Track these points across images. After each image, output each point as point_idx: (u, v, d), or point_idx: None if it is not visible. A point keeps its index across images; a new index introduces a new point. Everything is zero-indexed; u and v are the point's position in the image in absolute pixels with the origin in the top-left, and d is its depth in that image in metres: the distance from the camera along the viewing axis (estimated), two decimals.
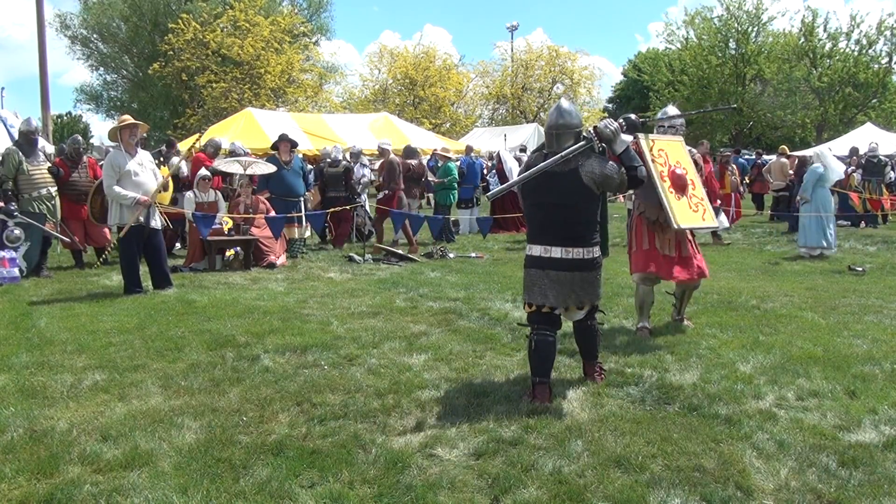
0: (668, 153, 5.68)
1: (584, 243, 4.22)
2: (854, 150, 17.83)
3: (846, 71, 32.90)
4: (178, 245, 11.04)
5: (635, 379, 4.51)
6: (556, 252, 4.18)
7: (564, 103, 4.40)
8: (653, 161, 5.50)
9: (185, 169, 10.66)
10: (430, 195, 18.10)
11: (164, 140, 12.13)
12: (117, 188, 7.36)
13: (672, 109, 6.10)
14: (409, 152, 13.71)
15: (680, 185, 5.59)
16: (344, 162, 12.48)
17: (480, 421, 3.81)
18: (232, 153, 12.01)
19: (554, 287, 4.18)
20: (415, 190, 13.55)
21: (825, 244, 10.33)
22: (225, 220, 9.64)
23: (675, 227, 5.44)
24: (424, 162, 13.72)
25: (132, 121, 7.63)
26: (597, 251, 4.36)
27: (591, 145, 4.22)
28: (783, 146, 18.35)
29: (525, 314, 4.40)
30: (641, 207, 5.83)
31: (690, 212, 5.61)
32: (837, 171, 10.99)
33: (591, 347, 4.51)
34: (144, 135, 8.40)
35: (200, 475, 3.18)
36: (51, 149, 10.97)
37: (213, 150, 11.70)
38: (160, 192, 7.81)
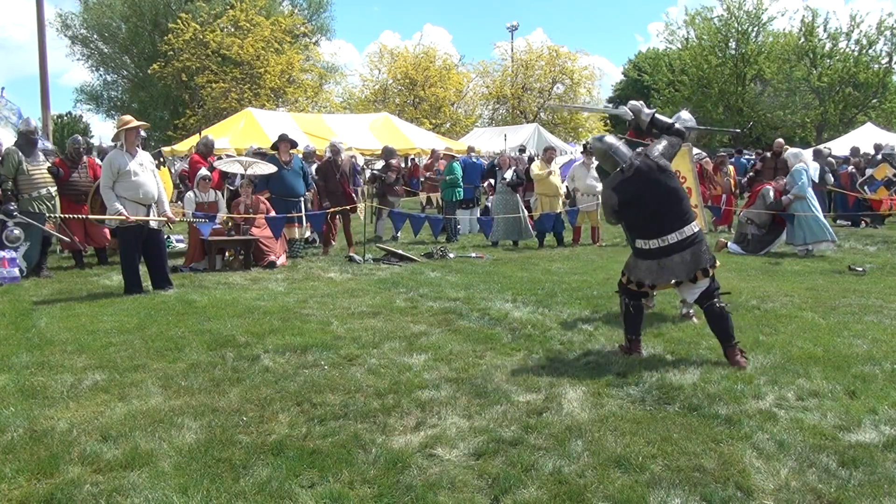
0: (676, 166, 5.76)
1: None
2: (855, 151, 17.86)
3: (846, 71, 32.93)
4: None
5: (635, 379, 4.50)
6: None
7: (597, 138, 5.09)
8: None
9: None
10: (431, 195, 18.12)
11: (164, 141, 12.07)
12: (110, 192, 7.36)
13: (685, 114, 6.07)
14: (388, 153, 13.73)
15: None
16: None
17: (480, 421, 3.81)
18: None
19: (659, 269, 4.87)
20: (397, 188, 13.63)
21: (829, 236, 10.38)
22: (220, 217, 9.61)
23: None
24: (422, 161, 13.70)
25: (135, 122, 7.63)
26: None
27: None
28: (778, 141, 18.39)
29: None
30: None
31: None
32: (814, 167, 11.17)
33: (726, 329, 4.80)
34: (145, 134, 8.40)
35: (200, 475, 3.18)
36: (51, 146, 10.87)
37: (206, 148, 11.63)
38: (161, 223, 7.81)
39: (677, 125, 5.24)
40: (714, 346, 5.24)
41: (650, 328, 5.82)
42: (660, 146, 4.94)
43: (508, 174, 12.27)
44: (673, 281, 4.87)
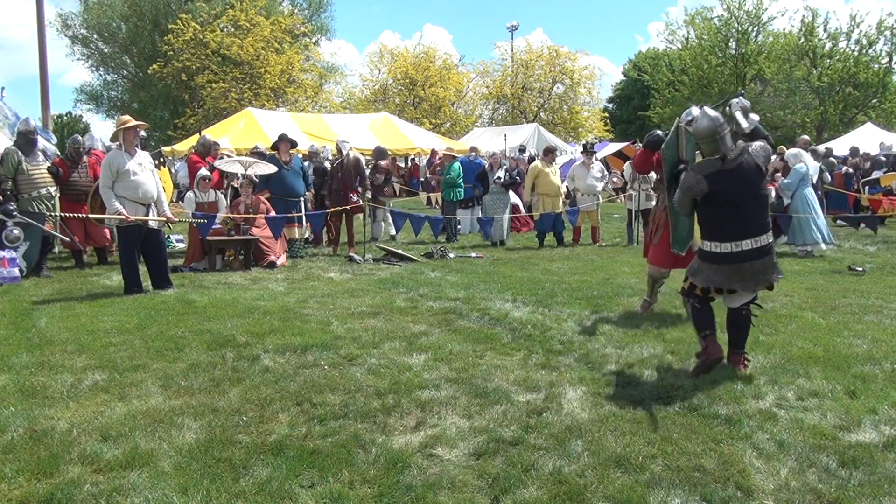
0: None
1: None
2: (854, 150, 17.84)
3: (846, 71, 32.89)
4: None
5: (635, 379, 4.51)
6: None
7: (705, 110, 4.58)
8: None
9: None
10: (431, 194, 18.12)
11: (164, 141, 12.04)
12: (109, 192, 7.36)
13: (695, 110, 5.97)
14: (379, 153, 13.75)
15: None
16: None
17: (480, 421, 3.81)
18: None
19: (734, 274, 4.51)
20: (386, 189, 13.66)
21: (817, 238, 10.35)
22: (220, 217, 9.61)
23: (695, 248, 5.52)
24: (420, 162, 13.72)
25: (134, 122, 7.63)
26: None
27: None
28: (780, 146, 18.38)
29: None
30: (667, 202, 5.80)
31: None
32: (814, 166, 11.15)
33: (744, 336, 4.72)
34: (145, 134, 8.40)
35: (200, 475, 3.18)
36: (53, 148, 10.84)
37: (205, 148, 11.63)
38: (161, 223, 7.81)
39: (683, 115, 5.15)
40: None
41: (650, 328, 5.82)
42: (758, 146, 4.56)
43: (500, 174, 12.28)
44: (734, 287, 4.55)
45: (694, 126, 4.60)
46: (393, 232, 13.04)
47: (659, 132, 5.92)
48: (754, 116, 4.83)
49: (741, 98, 4.91)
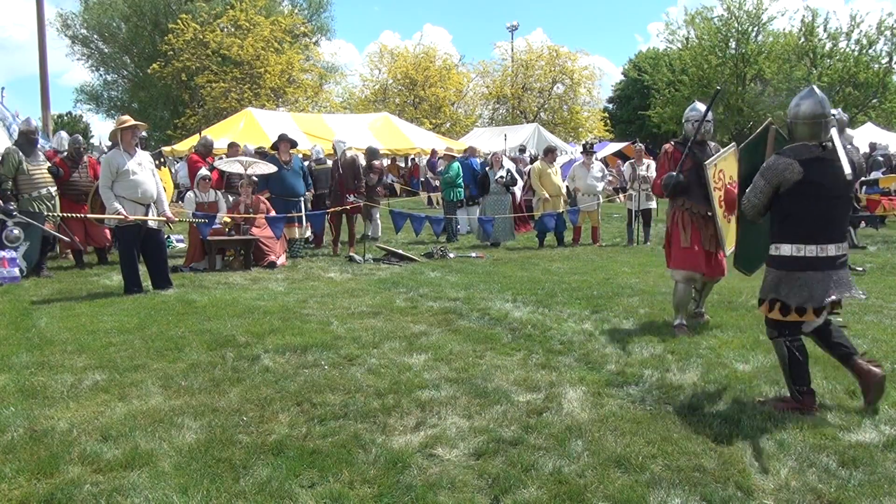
0: (725, 171, 5.60)
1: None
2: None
3: (846, 71, 32.89)
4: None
5: (635, 379, 4.50)
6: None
7: (813, 89, 3.97)
8: (714, 188, 5.51)
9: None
10: (431, 194, 18.12)
11: (164, 141, 12.00)
12: (109, 192, 7.36)
13: (700, 105, 5.96)
14: (371, 154, 13.76)
15: (731, 204, 5.38)
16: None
17: (480, 421, 3.81)
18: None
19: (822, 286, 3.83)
20: (378, 189, 13.66)
21: None
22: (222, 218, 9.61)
23: (726, 253, 5.44)
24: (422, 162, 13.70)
25: (132, 122, 7.63)
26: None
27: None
28: None
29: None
30: (687, 203, 5.72)
31: (732, 233, 5.52)
32: None
33: (846, 342, 4.09)
34: (145, 134, 8.39)
35: (200, 475, 3.18)
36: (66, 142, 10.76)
37: (205, 148, 11.63)
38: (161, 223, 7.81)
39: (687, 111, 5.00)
40: (714, 346, 5.25)
41: (650, 328, 5.82)
42: (853, 146, 4.15)
43: (501, 173, 12.26)
44: (833, 298, 3.86)
45: (795, 107, 3.96)
46: (378, 233, 13.09)
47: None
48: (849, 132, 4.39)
49: (840, 111, 4.54)
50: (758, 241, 4.53)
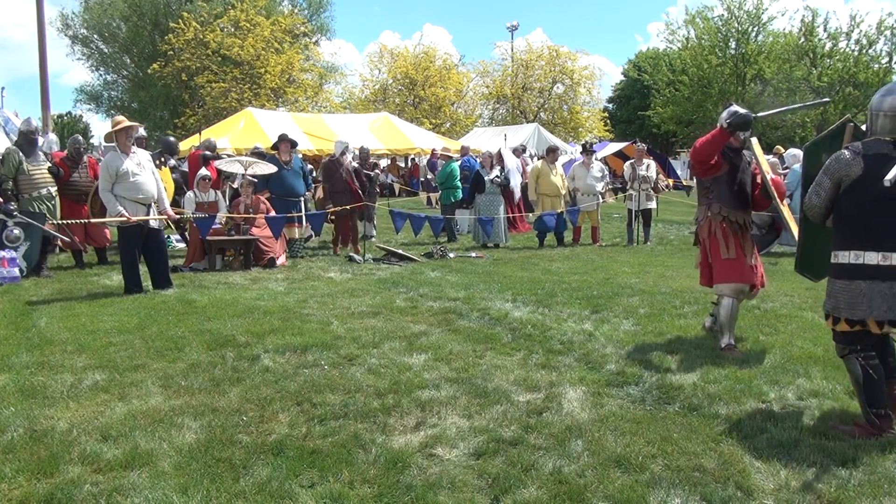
0: (759, 161, 5.33)
1: None
2: None
3: (846, 71, 32.91)
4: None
5: (635, 379, 4.51)
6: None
7: None
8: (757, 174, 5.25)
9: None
10: (431, 194, 18.12)
11: (164, 141, 11.93)
12: (109, 195, 7.36)
13: (736, 108, 5.21)
14: (364, 154, 13.77)
15: (781, 193, 5.22)
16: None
17: (480, 421, 3.81)
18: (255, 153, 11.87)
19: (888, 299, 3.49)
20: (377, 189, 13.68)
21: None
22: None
23: (797, 239, 4.92)
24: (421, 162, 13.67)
25: (127, 123, 7.63)
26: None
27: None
28: (777, 146, 18.43)
29: None
30: (724, 211, 5.19)
31: (790, 217, 5.31)
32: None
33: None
34: (145, 134, 8.39)
35: (200, 475, 3.18)
36: (56, 146, 10.78)
37: (210, 151, 11.63)
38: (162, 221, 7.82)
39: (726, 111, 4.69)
40: (713, 345, 5.25)
41: (650, 328, 5.82)
42: None
43: (495, 172, 12.22)
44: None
45: (880, 99, 3.59)
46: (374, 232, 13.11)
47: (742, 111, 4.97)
48: None
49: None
50: (825, 247, 4.02)
